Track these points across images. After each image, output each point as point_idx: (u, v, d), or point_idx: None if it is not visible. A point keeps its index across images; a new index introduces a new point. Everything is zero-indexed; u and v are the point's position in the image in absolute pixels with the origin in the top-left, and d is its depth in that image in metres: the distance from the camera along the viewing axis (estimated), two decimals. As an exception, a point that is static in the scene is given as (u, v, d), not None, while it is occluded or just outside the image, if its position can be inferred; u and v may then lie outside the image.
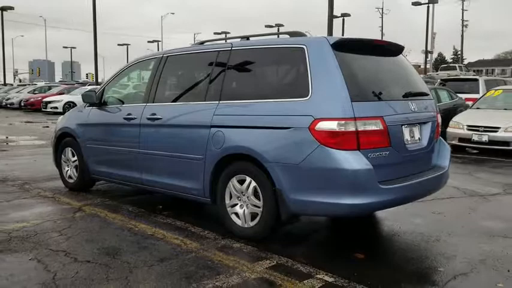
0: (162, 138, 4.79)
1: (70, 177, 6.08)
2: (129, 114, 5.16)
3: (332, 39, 3.82)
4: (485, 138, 9.30)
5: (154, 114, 4.87)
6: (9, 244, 4.00)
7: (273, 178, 3.83)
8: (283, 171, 3.76)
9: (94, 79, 31.33)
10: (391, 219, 4.73)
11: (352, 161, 3.51)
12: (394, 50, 4.40)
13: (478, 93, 13.41)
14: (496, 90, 11.27)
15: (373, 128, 3.63)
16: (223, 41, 4.79)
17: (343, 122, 3.53)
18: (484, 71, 72.88)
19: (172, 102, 4.92)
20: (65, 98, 24.57)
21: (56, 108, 23.59)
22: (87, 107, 5.82)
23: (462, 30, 65.54)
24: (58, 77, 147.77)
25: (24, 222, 4.66)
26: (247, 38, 4.63)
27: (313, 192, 3.66)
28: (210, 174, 4.31)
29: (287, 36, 4.26)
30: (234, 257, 3.74)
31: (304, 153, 3.65)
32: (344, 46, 3.84)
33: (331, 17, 18.51)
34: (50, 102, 24.24)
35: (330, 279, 3.30)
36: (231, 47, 4.45)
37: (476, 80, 14.69)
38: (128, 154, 5.19)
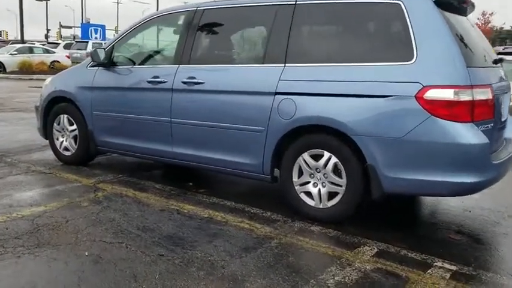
0: (205, 107, 4.11)
1: (66, 149, 5.18)
2: (155, 77, 4.39)
3: None
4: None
5: (193, 78, 4.16)
6: (42, 235, 3.22)
7: (365, 153, 3.37)
8: (379, 146, 3.31)
9: (20, 37, 28.29)
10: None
11: (469, 135, 3.13)
12: (468, 9, 3.96)
13: None
14: None
15: (485, 97, 3.26)
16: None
17: (459, 90, 3.13)
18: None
19: (216, 64, 4.23)
20: (-11, 56, 21.98)
21: (-21, 68, 21.06)
22: (91, 67, 4.92)
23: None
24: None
25: (40, 205, 3.83)
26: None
27: (415, 169, 3.25)
28: (273, 148, 3.76)
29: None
30: (324, 243, 3.27)
31: (410, 125, 3.21)
32: (444, 3, 3.40)
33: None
34: (-29, 61, 21.56)
35: (453, 267, 2.95)
36: (296, 1, 3.83)
37: None
38: (154, 124, 4.44)
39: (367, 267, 2.91)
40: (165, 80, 4.33)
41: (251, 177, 4.02)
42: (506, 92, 3.91)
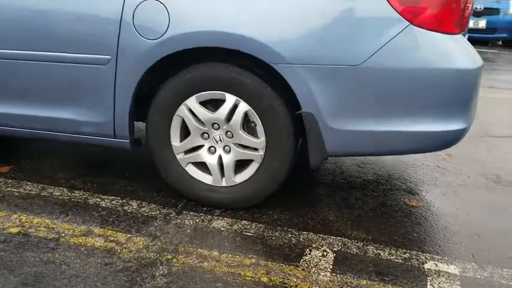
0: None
1: None
2: None
3: None
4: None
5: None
6: None
7: (298, 94, 1.98)
8: (323, 81, 1.94)
9: None
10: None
11: (464, 53, 1.96)
12: None
13: None
14: None
15: (473, -6, 2.09)
16: None
17: (454, -20, 1.88)
18: None
19: None
20: None
21: None
22: None
23: None
24: None
25: None
26: None
27: (380, 116, 1.99)
28: (131, 91, 2.13)
29: None
30: (247, 255, 1.89)
31: (374, 43, 1.88)
32: None
33: None
34: None
35: (453, 268, 1.86)
36: None
37: None
38: None
39: (342, 304, 1.65)
40: None
41: (94, 143, 2.33)
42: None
